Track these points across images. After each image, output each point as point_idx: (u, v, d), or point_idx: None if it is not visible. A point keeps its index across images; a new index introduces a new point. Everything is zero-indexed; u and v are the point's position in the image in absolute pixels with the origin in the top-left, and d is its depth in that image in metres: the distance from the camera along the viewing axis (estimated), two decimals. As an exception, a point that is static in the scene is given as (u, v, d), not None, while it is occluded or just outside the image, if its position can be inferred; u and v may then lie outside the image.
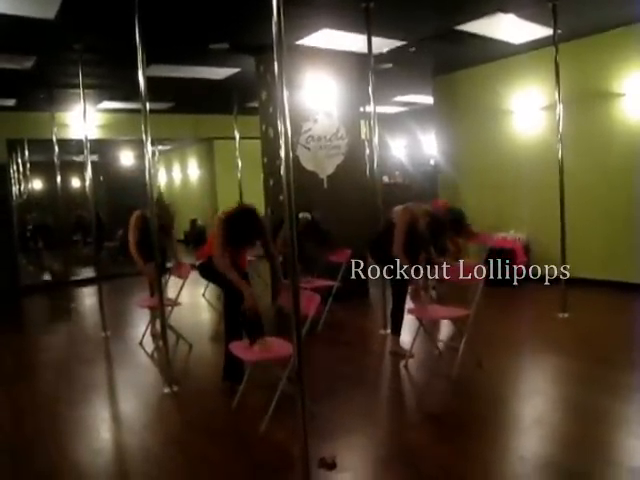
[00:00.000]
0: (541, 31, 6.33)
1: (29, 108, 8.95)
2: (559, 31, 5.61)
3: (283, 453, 3.20)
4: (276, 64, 2.59)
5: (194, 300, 7.56)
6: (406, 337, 4.91)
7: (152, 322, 5.77)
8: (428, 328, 4.92)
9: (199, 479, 3.01)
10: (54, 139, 8.33)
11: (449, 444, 3.25)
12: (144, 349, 5.55)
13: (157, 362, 5.13)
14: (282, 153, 2.62)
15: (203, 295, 7.56)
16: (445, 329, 5.56)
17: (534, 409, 3.70)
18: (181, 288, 5.39)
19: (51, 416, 3.99)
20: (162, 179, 17.73)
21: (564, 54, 5.81)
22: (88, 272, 10.06)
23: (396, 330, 4.87)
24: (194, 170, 15.85)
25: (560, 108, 5.68)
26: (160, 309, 4.44)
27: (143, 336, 5.71)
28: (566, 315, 5.69)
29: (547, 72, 6.12)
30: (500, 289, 7.03)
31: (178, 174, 17.17)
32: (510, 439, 3.33)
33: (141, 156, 4.09)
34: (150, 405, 4.20)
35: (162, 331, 4.47)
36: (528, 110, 7.61)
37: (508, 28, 6.32)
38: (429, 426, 3.53)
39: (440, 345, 4.99)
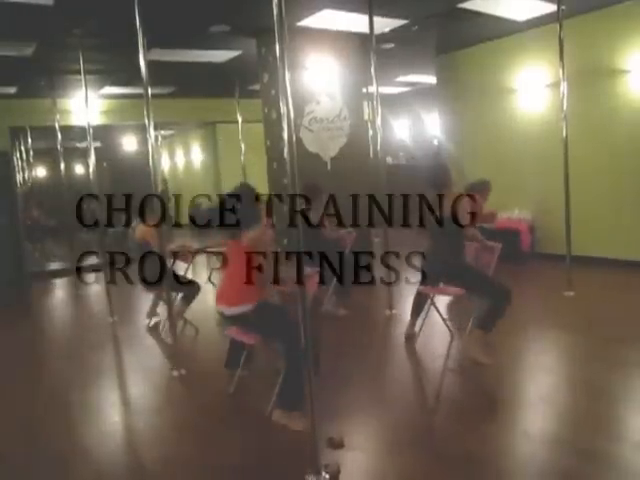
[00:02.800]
0: (545, 7, 6.24)
1: (30, 95, 8.93)
2: (563, 7, 5.54)
3: (292, 433, 3.22)
4: (277, 45, 2.57)
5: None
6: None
7: (153, 304, 5.79)
8: (438, 307, 4.93)
9: (211, 461, 3.05)
10: (57, 126, 8.31)
11: (457, 423, 3.28)
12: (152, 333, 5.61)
13: (165, 346, 5.17)
14: (285, 135, 2.61)
15: (209, 279, 7.58)
16: (454, 308, 5.56)
17: (542, 387, 3.73)
18: (185, 272, 5.42)
19: (61, 401, 4.04)
20: (165, 164, 17.70)
21: (568, 30, 5.73)
22: (94, 258, 10.08)
23: (414, 313, 4.85)
24: (197, 155, 15.82)
25: (564, 85, 5.63)
26: (167, 294, 4.47)
27: (150, 321, 5.76)
28: (572, 293, 5.69)
29: (551, 49, 6.03)
30: (505, 268, 7.01)
31: (181, 159, 17.14)
32: (518, 417, 3.35)
33: (144, 141, 4.09)
34: (159, 389, 4.25)
35: (169, 316, 4.51)
36: (532, 88, 7.54)
37: (511, 5, 6.23)
38: (437, 406, 3.56)
39: (449, 324, 4.99)
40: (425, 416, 3.43)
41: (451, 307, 5.57)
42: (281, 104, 2.61)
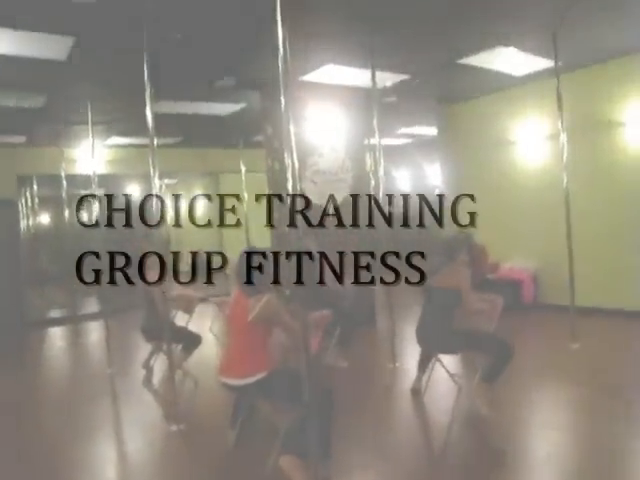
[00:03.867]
0: (542, 63, 6.40)
1: (38, 144, 9.07)
2: (560, 63, 5.68)
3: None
4: (282, 99, 2.62)
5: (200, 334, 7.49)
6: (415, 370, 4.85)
7: (150, 355, 5.69)
8: (443, 363, 4.85)
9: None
10: (62, 174, 8.42)
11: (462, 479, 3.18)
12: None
13: (163, 399, 5.06)
14: (289, 187, 2.63)
15: (210, 329, 7.51)
16: (460, 361, 5.47)
17: (547, 442, 3.62)
18: (187, 323, 5.37)
19: (56, 456, 3.93)
20: (168, 211, 17.79)
21: (566, 84, 5.86)
22: (95, 306, 10.05)
23: (420, 367, 4.78)
24: (200, 203, 15.91)
25: (564, 137, 5.71)
26: (167, 346, 4.40)
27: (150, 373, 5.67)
28: (577, 346, 5.61)
29: (550, 102, 6.15)
30: (508, 319, 6.95)
31: (185, 207, 17.22)
32: (523, 474, 3.25)
33: (148, 190, 4.12)
34: (157, 444, 4.13)
35: (170, 368, 4.42)
36: (532, 140, 7.65)
37: (509, 61, 6.39)
38: (442, 461, 3.46)
39: (455, 379, 4.90)
40: (430, 472, 3.32)
41: (457, 360, 5.48)
42: (285, 156, 2.64)
